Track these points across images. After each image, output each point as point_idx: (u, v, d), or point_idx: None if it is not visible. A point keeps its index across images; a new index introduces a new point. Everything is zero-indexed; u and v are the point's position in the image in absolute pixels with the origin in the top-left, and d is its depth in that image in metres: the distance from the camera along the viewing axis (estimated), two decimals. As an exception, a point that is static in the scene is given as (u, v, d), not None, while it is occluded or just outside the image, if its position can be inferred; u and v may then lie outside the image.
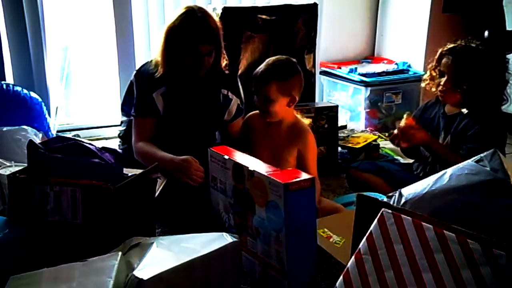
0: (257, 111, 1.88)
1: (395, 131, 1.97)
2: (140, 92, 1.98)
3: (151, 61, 2.01)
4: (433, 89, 2.03)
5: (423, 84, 2.10)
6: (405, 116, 1.96)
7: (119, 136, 2.19)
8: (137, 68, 2.12)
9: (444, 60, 1.95)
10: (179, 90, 1.96)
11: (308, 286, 1.38)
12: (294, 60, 1.81)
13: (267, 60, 1.81)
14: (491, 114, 1.92)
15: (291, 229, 1.33)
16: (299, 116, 1.90)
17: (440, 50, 1.99)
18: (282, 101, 1.76)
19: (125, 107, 2.10)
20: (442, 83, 1.94)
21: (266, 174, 1.37)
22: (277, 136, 1.81)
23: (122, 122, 2.16)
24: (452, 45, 1.95)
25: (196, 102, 2.00)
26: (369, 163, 2.21)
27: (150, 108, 1.95)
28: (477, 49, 1.91)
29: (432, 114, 2.07)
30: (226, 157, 1.52)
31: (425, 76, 2.08)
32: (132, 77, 2.05)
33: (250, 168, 1.42)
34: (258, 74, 1.77)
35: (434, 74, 2.01)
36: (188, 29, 1.86)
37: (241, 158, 1.52)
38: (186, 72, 1.94)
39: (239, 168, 1.47)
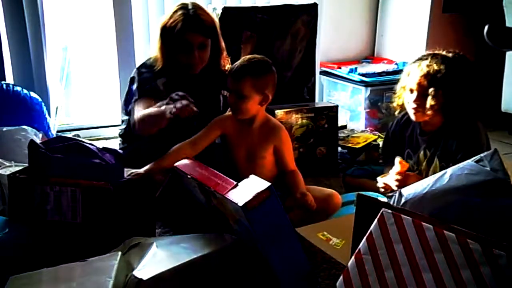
0: (225, 114, 1.89)
1: (385, 182, 1.89)
2: (143, 80, 1.97)
3: (150, 58, 2.03)
4: (404, 107, 1.96)
5: (394, 104, 2.01)
6: (397, 161, 1.87)
7: (119, 135, 2.18)
8: (137, 66, 2.12)
9: (411, 77, 1.90)
10: (177, 86, 1.96)
11: (303, 279, 1.37)
12: (270, 60, 1.81)
13: (242, 58, 1.82)
14: (470, 125, 1.87)
15: (268, 241, 1.29)
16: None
17: (406, 67, 1.95)
18: (255, 99, 1.75)
19: (126, 106, 2.10)
20: (411, 100, 1.89)
21: (224, 194, 1.31)
22: (251, 135, 1.81)
23: (122, 121, 2.16)
24: (417, 61, 1.90)
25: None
26: (362, 169, 2.19)
27: (153, 91, 1.93)
28: (443, 60, 1.84)
29: (408, 133, 2.01)
30: (189, 176, 1.48)
31: (394, 96, 2.00)
32: (133, 73, 2.04)
33: (211, 189, 1.37)
34: (233, 70, 1.77)
35: (403, 92, 1.95)
36: (177, 20, 1.90)
37: (203, 173, 1.46)
38: (181, 69, 1.94)
39: (203, 187, 1.44)
